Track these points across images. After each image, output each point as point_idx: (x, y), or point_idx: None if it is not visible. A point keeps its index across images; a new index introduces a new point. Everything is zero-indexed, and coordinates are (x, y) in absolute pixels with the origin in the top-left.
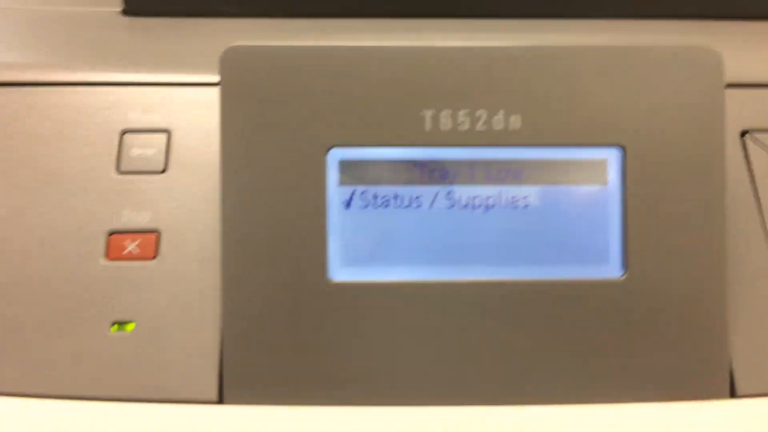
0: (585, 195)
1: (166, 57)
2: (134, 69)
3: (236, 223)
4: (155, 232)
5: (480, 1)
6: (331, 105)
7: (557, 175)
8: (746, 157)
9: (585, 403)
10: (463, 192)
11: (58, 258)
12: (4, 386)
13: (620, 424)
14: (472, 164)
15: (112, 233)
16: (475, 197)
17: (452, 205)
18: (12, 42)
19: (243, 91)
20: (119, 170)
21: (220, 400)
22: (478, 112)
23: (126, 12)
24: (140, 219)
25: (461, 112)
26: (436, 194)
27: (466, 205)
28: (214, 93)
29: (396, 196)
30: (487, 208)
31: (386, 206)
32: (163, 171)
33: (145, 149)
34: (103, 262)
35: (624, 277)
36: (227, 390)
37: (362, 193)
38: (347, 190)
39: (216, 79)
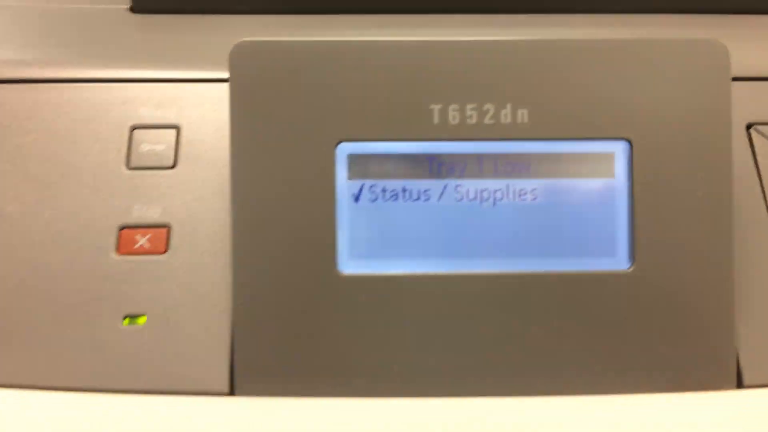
0: (592, 188)
1: (175, 54)
2: (144, 66)
3: (246, 218)
4: (166, 227)
5: None
6: (339, 99)
7: (565, 169)
8: (752, 149)
9: (592, 394)
10: (471, 186)
11: (72, 252)
12: (18, 379)
13: (627, 415)
14: (480, 158)
15: (123, 228)
16: (483, 191)
17: (460, 199)
18: (23, 40)
19: (252, 86)
20: (129, 166)
21: (232, 392)
22: (486, 106)
23: (133, 9)
24: (151, 214)
25: (469, 106)
26: (444, 188)
27: (474, 199)
28: (223, 89)
29: (404, 190)
30: (495, 201)
31: (395, 200)
32: (173, 166)
33: (155, 145)
34: (114, 256)
35: (631, 269)
36: (238, 382)
37: (371, 186)
38: (356, 184)
39: (224, 75)
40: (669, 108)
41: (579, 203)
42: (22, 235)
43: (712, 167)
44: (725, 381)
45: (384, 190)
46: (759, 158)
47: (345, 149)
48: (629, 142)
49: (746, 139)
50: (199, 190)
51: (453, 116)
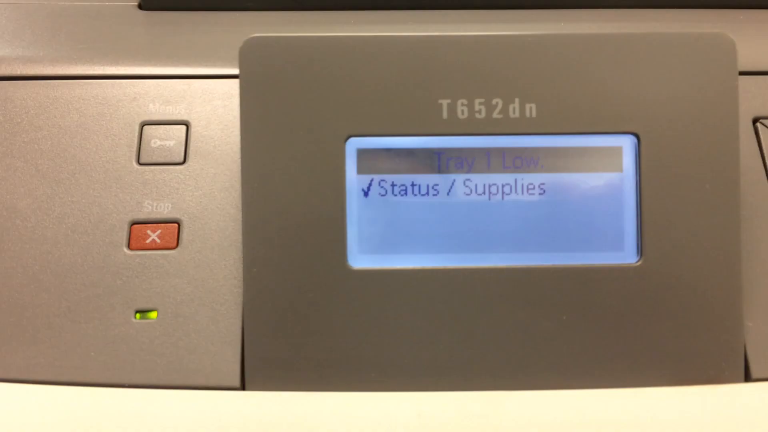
0: (600, 182)
1: (183, 50)
2: (153, 62)
3: (257, 213)
4: (176, 222)
5: None
6: (349, 95)
7: (573, 163)
8: (758, 143)
9: (600, 387)
10: (479, 180)
11: (84, 247)
12: (30, 374)
13: (635, 408)
14: (489, 152)
15: (134, 223)
16: (491, 185)
17: (469, 193)
18: (33, 37)
19: (262, 81)
20: (140, 161)
21: (243, 387)
22: (494, 101)
23: (142, 6)
24: (161, 209)
25: (477, 101)
26: (453, 182)
27: (482, 193)
28: (232, 85)
29: (413, 185)
30: (504, 195)
31: (404, 194)
32: (183, 162)
33: (165, 141)
34: (125, 251)
35: (639, 263)
36: (249, 376)
37: (380, 181)
38: (366, 179)
39: (233, 71)
40: (676, 102)
41: (587, 197)
42: (34, 231)
43: (719, 161)
44: (733, 374)
45: (393, 185)
46: (765, 152)
47: (354, 144)
48: (637, 136)
49: (753, 133)
50: (209, 186)
51: (461, 111)
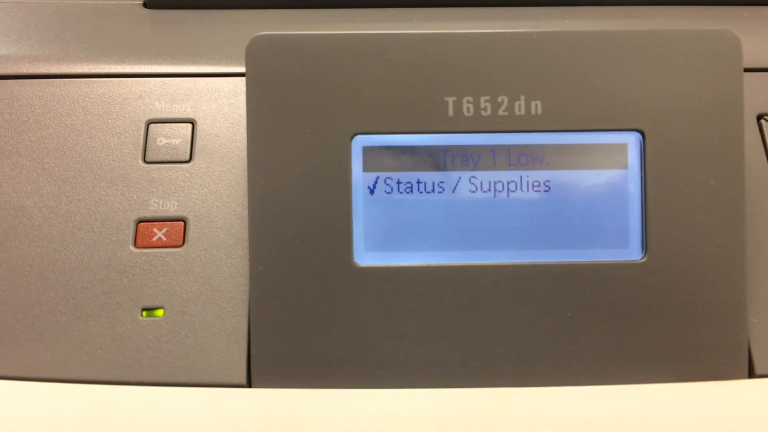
0: (605, 179)
1: (189, 49)
2: (159, 61)
3: (263, 210)
4: (182, 220)
5: None
6: (354, 93)
7: (578, 160)
8: (763, 140)
9: (605, 384)
10: (484, 177)
11: (90, 245)
12: (37, 371)
13: (639, 404)
14: (494, 150)
15: (140, 221)
16: (497, 182)
17: (474, 191)
18: (39, 35)
19: (268, 80)
20: (146, 160)
21: (249, 384)
22: (500, 98)
23: (147, 5)
24: (167, 207)
25: (483, 98)
26: (459, 180)
27: (487, 191)
28: (237, 83)
29: (419, 182)
30: (509, 193)
31: (409, 192)
32: (189, 160)
33: (170, 139)
34: (132, 249)
35: (644, 260)
36: (256, 373)
37: (386, 179)
38: (371, 177)
39: (238, 69)
40: (681, 99)
41: (592, 194)
42: (40, 229)
43: (724, 157)
44: (737, 370)
45: (399, 182)
46: None
47: (360, 142)
48: (642, 133)
49: (757, 130)
50: (215, 184)
51: (467, 108)
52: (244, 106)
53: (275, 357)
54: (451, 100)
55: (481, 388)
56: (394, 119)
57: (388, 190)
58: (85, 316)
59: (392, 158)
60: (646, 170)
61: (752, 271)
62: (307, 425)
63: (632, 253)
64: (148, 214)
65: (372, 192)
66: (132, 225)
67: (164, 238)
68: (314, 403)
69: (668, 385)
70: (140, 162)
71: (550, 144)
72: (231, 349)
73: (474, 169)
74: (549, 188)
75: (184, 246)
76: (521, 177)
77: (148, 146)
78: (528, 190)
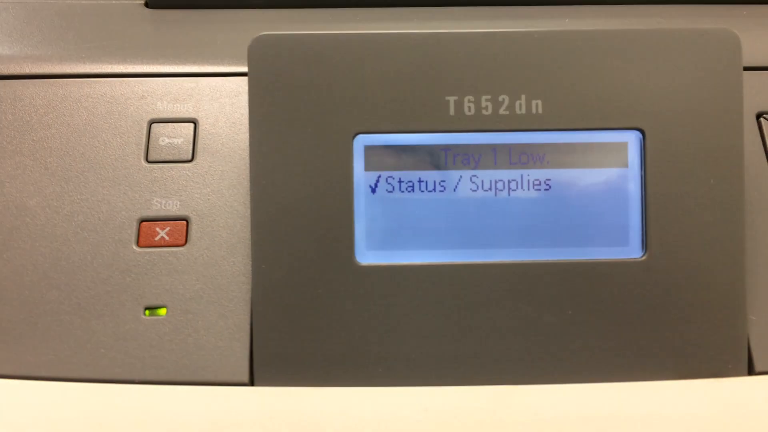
0: (605, 178)
1: (190, 48)
2: (161, 61)
3: (265, 209)
4: (185, 220)
5: None
6: (356, 92)
7: (578, 159)
8: (762, 138)
9: (605, 381)
10: (485, 176)
11: (93, 245)
12: (40, 370)
13: (639, 401)
14: (495, 149)
15: (143, 221)
16: (497, 181)
17: (475, 189)
18: (41, 36)
19: (271, 79)
20: (148, 159)
21: (251, 382)
22: (501, 97)
23: (149, 5)
24: (170, 207)
25: (484, 98)
26: (460, 178)
27: (488, 189)
28: (239, 82)
29: (420, 181)
30: (510, 191)
31: (411, 191)
32: (191, 160)
33: (173, 138)
34: (135, 248)
35: (644, 258)
36: (258, 372)
37: (388, 178)
38: (373, 176)
39: (240, 68)
40: (681, 97)
41: (592, 193)
42: (43, 229)
43: (723, 156)
44: (736, 368)
45: (400, 181)
46: None
47: (362, 141)
48: (642, 131)
49: (756, 128)
50: (217, 183)
51: (468, 107)
52: (246, 105)
53: (277, 355)
54: (452, 99)
55: (483, 386)
56: (395, 119)
57: (390, 189)
58: (88, 315)
59: (394, 157)
60: (646, 169)
61: (752, 269)
62: (309, 423)
63: (632, 251)
64: (150, 214)
65: (373, 191)
66: (135, 224)
67: (167, 238)
68: (316, 402)
69: (668, 383)
70: (143, 161)
71: (551, 143)
72: (233, 347)
73: (475, 168)
74: (549, 187)
75: (187, 245)
76: (522, 176)
77: (150, 146)
78: (529, 189)
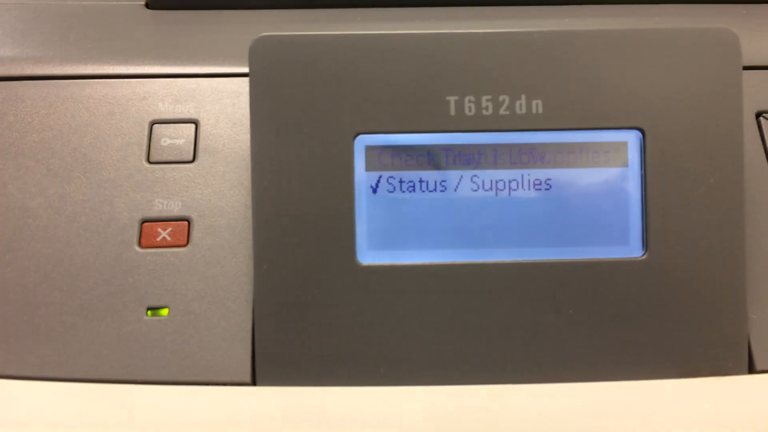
0: (606, 177)
1: (191, 49)
2: (162, 61)
3: (266, 210)
4: (186, 220)
5: None
6: (357, 92)
7: (579, 158)
8: (762, 137)
9: (605, 380)
10: (486, 176)
11: (95, 245)
12: (43, 371)
13: (640, 400)
14: (495, 148)
15: (144, 221)
16: (498, 181)
17: (476, 189)
18: (42, 37)
19: (272, 80)
20: (150, 160)
21: (253, 382)
22: (501, 97)
23: (149, 5)
24: (171, 207)
25: (484, 98)
26: (460, 178)
27: (489, 189)
28: (240, 83)
29: (421, 181)
30: (510, 191)
31: (412, 191)
32: (193, 160)
33: (174, 139)
34: (137, 249)
35: (644, 257)
36: (260, 372)
37: (389, 178)
38: (374, 176)
39: (242, 69)
40: (681, 97)
41: (593, 192)
42: (45, 230)
43: (723, 155)
44: (737, 366)
45: (401, 182)
46: None
47: (363, 141)
48: (642, 131)
49: (756, 128)
50: (219, 184)
51: (469, 107)
52: (248, 106)
53: (279, 355)
54: (452, 99)
55: (484, 385)
56: (396, 119)
57: (391, 189)
58: (91, 316)
59: (394, 157)
60: (646, 168)
61: (752, 268)
62: (311, 423)
63: (633, 250)
64: (152, 214)
65: (375, 191)
66: (136, 225)
67: (169, 238)
68: (318, 401)
69: (669, 381)
70: (144, 162)
71: (551, 142)
72: (235, 347)
73: (475, 167)
74: (550, 186)
75: (189, 246)
76: (522, 175)
77: (151, 147)
78: (529, 189)
